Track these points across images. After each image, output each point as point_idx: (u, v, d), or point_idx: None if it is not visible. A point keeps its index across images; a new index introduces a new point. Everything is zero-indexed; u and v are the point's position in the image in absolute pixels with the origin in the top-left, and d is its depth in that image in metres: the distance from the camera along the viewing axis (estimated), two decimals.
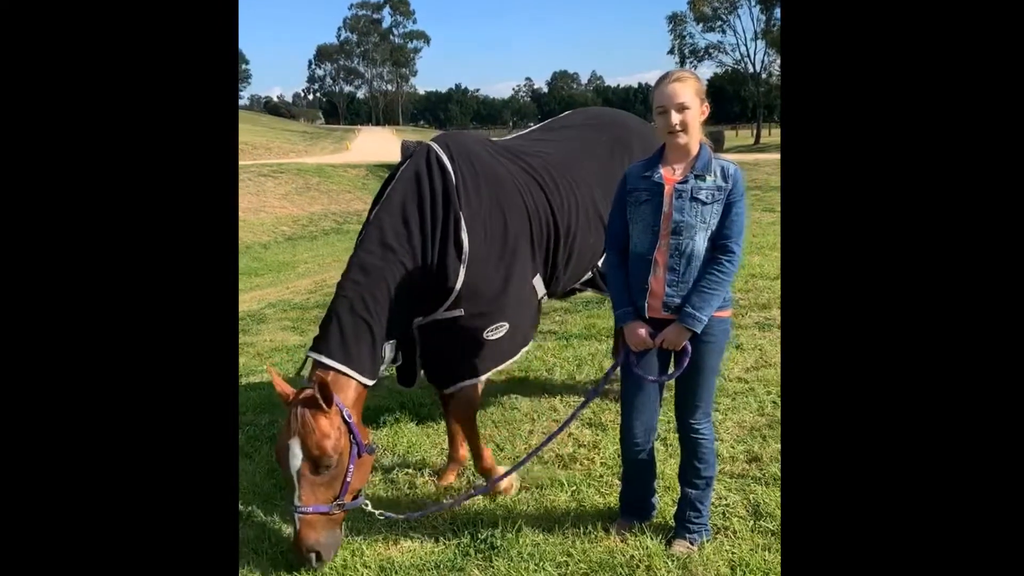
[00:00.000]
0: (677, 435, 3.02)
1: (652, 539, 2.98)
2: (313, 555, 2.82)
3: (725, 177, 2.73)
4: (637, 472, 3.06)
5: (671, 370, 2.90)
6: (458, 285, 3.12)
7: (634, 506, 3.13)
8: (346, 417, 2.87)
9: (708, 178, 2.72)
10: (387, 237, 3.08)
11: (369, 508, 3.03)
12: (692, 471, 2.94)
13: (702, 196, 2.71)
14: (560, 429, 3.30)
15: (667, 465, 3.49)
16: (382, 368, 3.15)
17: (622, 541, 3.00)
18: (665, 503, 3.21)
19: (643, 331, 2.82)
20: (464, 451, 3.67)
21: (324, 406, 2.78)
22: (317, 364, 2.95)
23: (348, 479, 2.87)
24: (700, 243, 2.73)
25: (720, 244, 2.73)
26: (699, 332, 2.74)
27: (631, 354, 2.90)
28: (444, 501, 3.34)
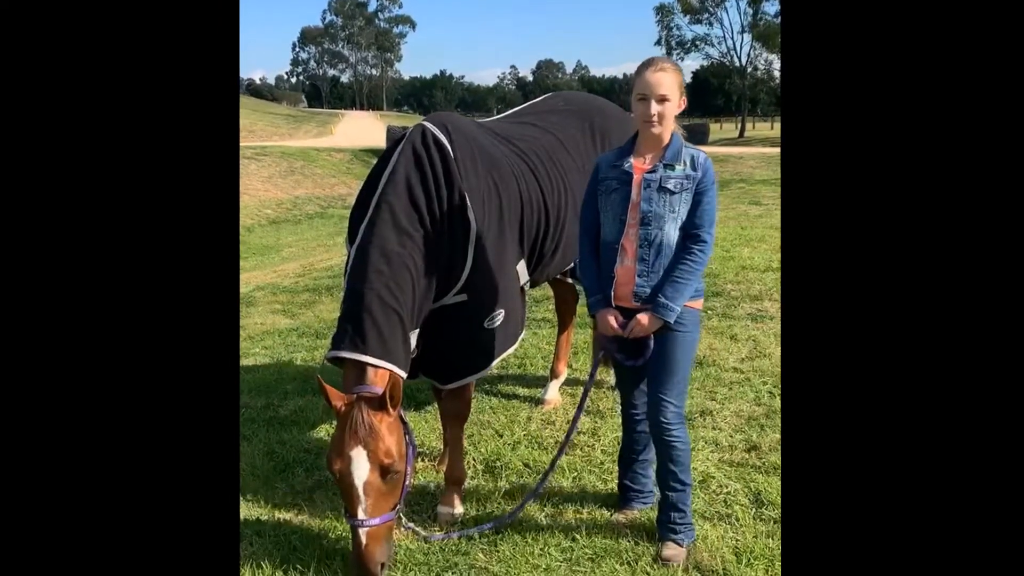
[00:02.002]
0: (651, 438, 2.95)
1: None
2: (380, 566, 2.64)
3: (695, 166, 2.72)
4: (634, 444, 3.08)
5: (646, 357, 2.88)
6: (468, 266, 3.04)
7: (633, 490, 3.14)
8: (403, 417, 2.77)
9: (677, 167, 2.72)
10: (400, 221, 2.93)
11: (402, 518, 2.88)
12: (668, 474, 2.87)
13: (670, 185, 2.71)
14: (560, 451, 3.22)
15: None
16: None
17: (626, 526, 3.01)
18: None
19: (612, 318, 2.82)
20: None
21: (391, 409, 2.65)
22: (358, 364, 2.76)
23: (407, 483, 2.77)
24: (671, 233, 2.73)
25: (691, 233, 2.73)
26: (671, 322, 2.73)
27: (607, 341, 2.94)
28: (462, 529, 3.10)
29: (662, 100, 2.69)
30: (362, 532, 2.61)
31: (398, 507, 2.74)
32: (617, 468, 3.25)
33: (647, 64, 2.77)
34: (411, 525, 2.92)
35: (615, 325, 2.82)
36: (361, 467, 2.61)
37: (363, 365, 2.75)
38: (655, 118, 2.70)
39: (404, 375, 2.85)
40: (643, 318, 2.76)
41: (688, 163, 2.73)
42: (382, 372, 2.75)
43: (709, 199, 2.74)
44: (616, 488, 3.27)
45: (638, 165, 2.78)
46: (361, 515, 2.61)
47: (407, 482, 2.77)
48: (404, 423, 2.77)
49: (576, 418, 3.17)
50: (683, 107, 2.79)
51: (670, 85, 2.70)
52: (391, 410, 2.66)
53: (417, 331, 2.99)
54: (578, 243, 3.06)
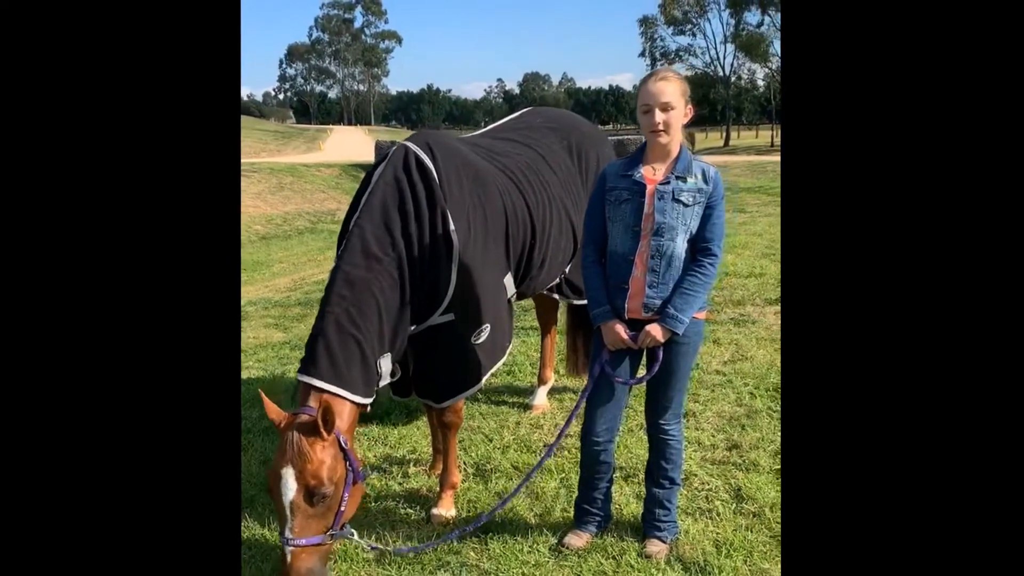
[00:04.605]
0: (646, 435, 3.06)
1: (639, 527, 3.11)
2: None
3: (706, 179, 2.75)
4: (595, 473, 3.02)
5: (641, 373, 2.90)
6: (451, 286, 3.05)
7: (591, 513, 3.07)
8: (343, 444, 2.71)
9: (689, 180, 2.73)
10: (370, 246, 2.93)
11: (355, 539, 2.85)
12: (660, 471, 2.98)
13: (684, 198, 2.72)
14: (542, 460, 3.23)
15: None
16: (382, 383, 3.01)
17: (575, 553, 2.96)
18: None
19: (621, 329, 2.81)
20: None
21: (324, 433, 2.62)
22: (307, 387, 2.78)
23: (342, 509, 2.71)
24: (680, 245, 2.75)
25: (702, 247, 2.76)
26: (680, 333, 2.75)
27: (607, 362, 2.88)
28: (431, 540, 3.13)
29: (666, 108, 2.69)
30: (287, 550, 2.60)
31: (332, 532, 2.69)
32: (577, 489, 3.16)
33: (650, 75, 2.78)
34: (376, 545, 2.98)
35: (625, 337, 2.80)
36: (287, 487, 2.60)
37: (311, 387, 2.77)
38: (661, 127, 2.70)
39: (361, 400, 2.85)
40: (654, 329, 2.76)
41: (700, 176, 2.75)
42: (327, 396, 2.73)
43: (719, 213, 2.77)
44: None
45: (648, 176, 2.77)
46: (287, 533, 2.61)
47: (343, 508, 2.71)
48: (344, 450, 2.72)
49: (562, 432, 3.17)
50: (690, 115, 2.79)
51: (673, 93, 2.70)
52: (325, 434, 2.63)
53: (390, 355, 2.98)
54: (581, 253, 2.99)
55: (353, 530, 2.84)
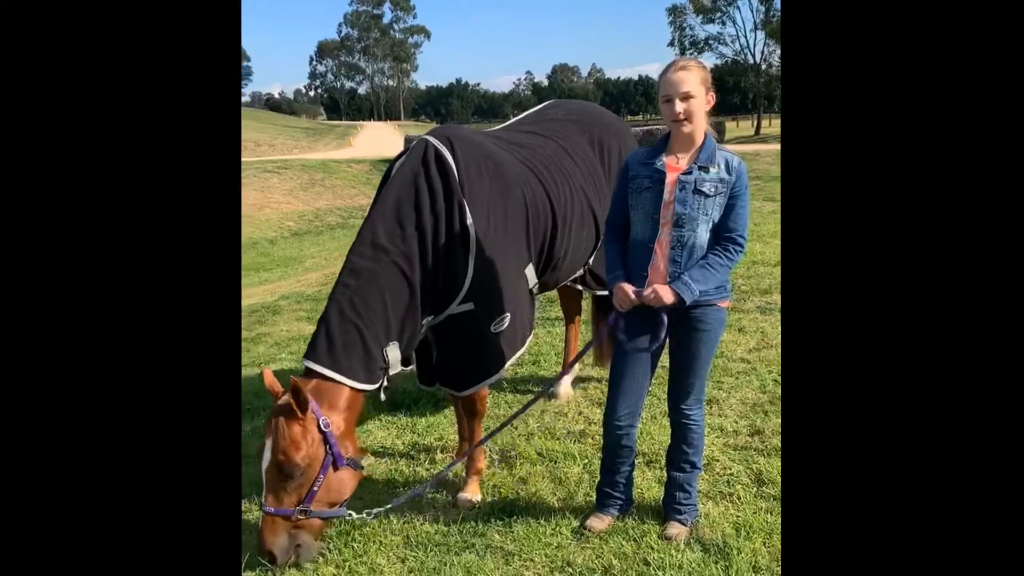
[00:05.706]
0: (668, 420, 3.11)
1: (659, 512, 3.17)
2: (268, 555, 2.79)
3: (729, 170, 2.76)
4: (617, 457, 3.08)
5: (652, 346, 2.91)
6: (468, 277, 3.11)
7: (612, 496, 3.13)
8: (322, 427, 2.82)
9: (712, 170, 2.74)
10: (379, 238, 3.04)
11: (353, 517, 3.01)
12: (681, 455, 3.03)
13: (705, 188, 2.74)
14: (540, 394, 3.38)
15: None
16: (391, 371, 3.09)
17: (596, 536, 3.02)
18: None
19: (629, 288, 2.83)
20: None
21: (298, 413, 2.74)
22: (307, 370, 2.93)
23: (315, 488, 2.81)
24: (703, 235, 2.77)
25: (726, 236, 2.78)
26: (688, 302, 2.77)
27: (616, 323, 2.93)
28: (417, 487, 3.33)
29: (686, 97, 2.71)
30: (261, 515, 2.81)
31: (302, 508, 2.80)
32: (599, 474, 3.22)
33: (669, 65, 2.81)
34: (368, 512, 3.07)
35: (631, 295, 2.82)
36: (265, 457, 2.80)
37: (308, 369, 2.93)
38: (682, 115, 2.72)
39: (358, 385, 2.95)
40: (661, 288, 2.77)
41: (723, 166, 2.76)
42: (316, 380, 2.89)
43: (743, 203, 2.78)
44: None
45: (671, 165, 2.79)
46: (263, 500, 2.82)
47: (316, 488, 2.82)
48: (323, 432, 2.82)
49: (572, 362, 3.49)
50: (712, 103, 2.80)
51: (693, 82, 2.72)
52: (299, 414, 2.75)
53: (398, 344, 3.05)
54: (602, 237, 3.06)
55: (351, 511, 3.00)
